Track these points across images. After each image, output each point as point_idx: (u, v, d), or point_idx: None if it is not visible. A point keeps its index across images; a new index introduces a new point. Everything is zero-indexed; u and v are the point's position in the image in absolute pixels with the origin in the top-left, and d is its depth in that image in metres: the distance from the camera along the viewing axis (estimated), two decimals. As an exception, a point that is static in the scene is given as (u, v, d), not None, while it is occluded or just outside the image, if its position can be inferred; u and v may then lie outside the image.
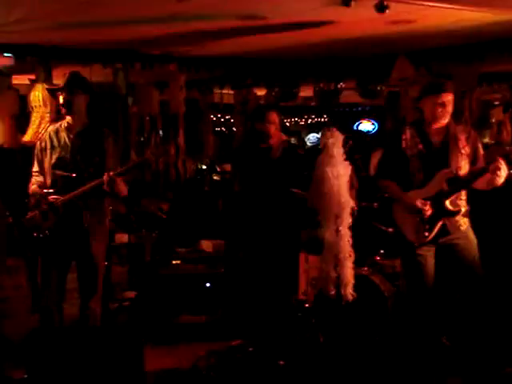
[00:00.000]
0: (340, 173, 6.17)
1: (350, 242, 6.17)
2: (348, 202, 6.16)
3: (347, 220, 6.16)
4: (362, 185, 6.88)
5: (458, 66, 8.57)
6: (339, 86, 9.54)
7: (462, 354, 5.87)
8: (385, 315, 6.49)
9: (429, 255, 5.59)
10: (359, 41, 7.97)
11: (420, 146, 5.55)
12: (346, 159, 6.24)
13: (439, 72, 9.04)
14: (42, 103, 7.73)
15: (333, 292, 6.19)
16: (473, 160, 5.58)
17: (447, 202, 5.50)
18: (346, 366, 5.99)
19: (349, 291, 6.15)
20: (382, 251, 7.04)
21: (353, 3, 5.78)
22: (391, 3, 5.82)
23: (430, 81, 5.93)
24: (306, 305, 6.78)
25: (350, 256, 6.17)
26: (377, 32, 7.44)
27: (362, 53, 8.89)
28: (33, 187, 5.71)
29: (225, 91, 10.28)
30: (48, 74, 7.72)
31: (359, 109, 14.13)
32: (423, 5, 5.98)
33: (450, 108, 5.51)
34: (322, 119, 14.19)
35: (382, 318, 6.49)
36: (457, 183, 5.48)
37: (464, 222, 5.59)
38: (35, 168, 5.77)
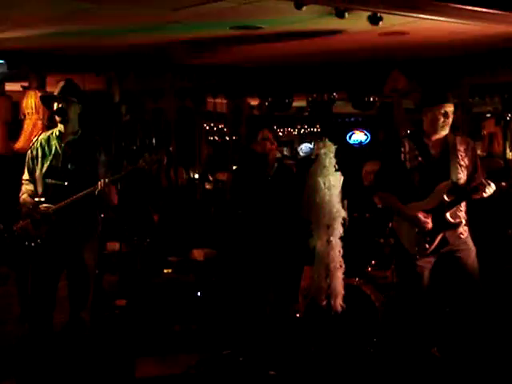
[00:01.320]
0: (332, 183, 6.18)
1: (341, 252, 6.19)
2: (339, 213, 6.18)
3: (338, 230, 6.17)
4: (353, 196, 6.90)
5: (450, 77, 8.61)
6: (332, 96, 9.55)
7: (452, 365, 5.88)
8: (376, 326, 6.49)
9: (426, 267, 5.55)
10: (352, 52, 8.00)
11: (420, 159, 5.52)
12: (337, 169, 6.26)
13: (431, 84, 9.10)
14: (34, 110, 7.72)
15: (324, 302, 6.19)
16: (472, 171, 5.56)
17: (448, 215, 5.47)
18: (336, 377, 5.99)
19: (338, 302, 6.16)
20: (373, 262, 7.04)
21: (347, 15, 5.80)
22: (384, 15, 5.84)
23: (431, 91, 5.85)
24: (298, 315, 6.77)
25: (341, 266, 6.19)
26: (370, 43, 7.47)
27: (355, 64, 8.92)
28: (23, 196, 5.68)
29: (218, 100, 10.29)
30: (41, 82, 7.72)
31: (352, 119, 14.16)
32: (416, 17, 5.99)
33: (450, 119, 5.50)
34: (315, 129, 14.20)
35: (373, 329, 6.49)
36: (457, 195, 5.45)
37: (464, 231, 5.56)
38: (25, 176, 5.75)
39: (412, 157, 5.56)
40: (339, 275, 6.19)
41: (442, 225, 5.48)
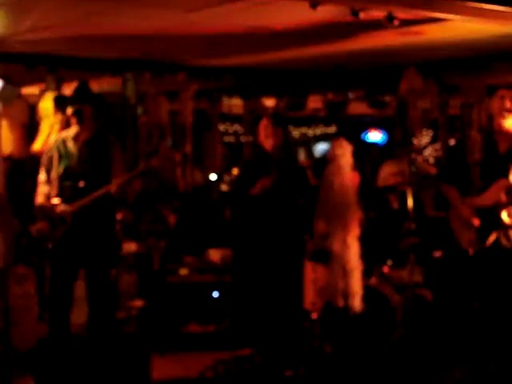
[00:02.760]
0: (348, 183, 6.18)
1: (358, 252, 6.18)
2: (356, 213, 6.17)
3: (355, 230, 6.17)
4: (370, 196, 6.89)
5: (466, 77, 8.58)
6: (348, 96, 9.53)
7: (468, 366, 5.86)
8: (393, 326, 6.48)
9: (476, 265, 5.48)
10: (368, 52, 7.97)
11: (484, 153, 5.45)
12: (354, 170, 6.25)
13: (447, 83, 9.07)
14: (51, 112, 7.75)
15: (341, 303, 6.19)
16: None
17: (504, 214, 5.38)
18: (353, 378, 5.98)
19: (357, 302, 6.15)
20: (389, 262, 7.02)
21: (362, 14, 5.78)
22: (400, 15, 5.82)
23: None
24: (314, 315, 6.77)
25: (358, 267, 6.18)
26: (385, 43, 7.44)
27: (370, 63, 8.89)
28: (40, 197, 5.72)
29: (234, 101, 10.29)
30: (58, 84, 7.75)
31: (368, 119, 14.12)
32: (431, 16, 5.97)
33: None
34: (331, 130, 14.18)
35: (391, 329, 6.47)
36: None
37: None
38: (42, 177, 5.79)
39: (476, 151, 5.47)
40: (357, 275, 6.18)
41: (495, 224, 5.39)
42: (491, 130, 5.49)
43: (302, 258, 6.39)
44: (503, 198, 5.34)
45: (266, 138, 6.25)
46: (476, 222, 5.37)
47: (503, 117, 5.34)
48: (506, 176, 5.37)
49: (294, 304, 6.46)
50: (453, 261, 5.73)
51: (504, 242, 5.40)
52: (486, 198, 5.39)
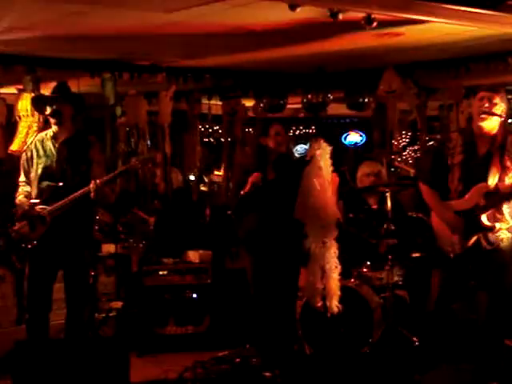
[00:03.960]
0: (327, 184, 6.19)
1: (337, 253, 6.19)
2: (334, 214, 6.19)
3: (333, 231, 6.18)
4: (348, 196, 6.91)
5: (444, 79, 8.62)
6: (327, 97, 9.54)
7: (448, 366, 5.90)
8: (371, 327, 6.50)
9: (455, 267, 5.52)
10: (347, 53, 7.99)
11: (463, 156, 5.43)
12: (333, 170, 6.26)
13: (426, 85, 9.11)
14: (29, 112, 7.70)
15: (319, 304, 6.20)
16: None
17: (483, 217, 5.36)
18: (332, 379, 6.00)
19: (334, 303, 6.17)
20: (368, 263, 7.05)
21: (340, 16, 5.80)
22: (378, 16, 5.84)
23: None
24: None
25: (336, 268, 6.20)
26: (364, 45, 7.47)
27: (349, 65, 8.91)
28: (20, 197, 5.70)
29: (213, 102, 10.28)
30: (36, 84, 7.71)
31: (347, 120, 14.15)
32: (410, 18, 5.99)
33: (494, 108, 5.34)
34: (310, 130, 14.20)
35: (369, 330, 6.50)
36: (494, 198, 5.33)
37: (506, 238, 5.41)
38: (22, 178, 5.77)
39: (455, 153, 5.48)
40: (335, 276, 6.20)
41: (476, 227, 5.38)
42: (471, 132, 5.50)
43: (296, 260, 6.38)
44: (483, 200, 5.35)
45: (277, 144, 6.30)
46: (460, 225, 5.39)
47: (482, 119, 5.35)
48: (486, 178, 5.38)
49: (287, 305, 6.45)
50: (432, 262, 5.76)
51: (484, 244, 5.42)
52: (466, 201, 5.41)
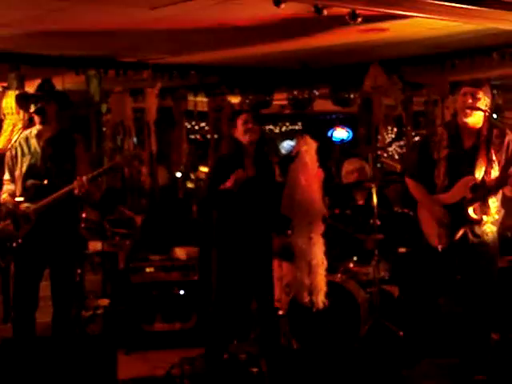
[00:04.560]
0: (313, 180, 6.19)
1: (323, 249, 6.20)
2: (321, 209, 6.19)
3: (320, 227, 6.19)
4: (335, 192, 6.92)
5: (429, 74, 8.65)
6: (313, 93, 9.56)
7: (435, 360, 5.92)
8: (358, 322, 6.52)
9: (441, 261, 5.54)
10: (332, 49, 8.01)
11: (449, 149, 5.43)
12: (319, 166, 6.27)
13: (411, 80, 9.14)
14: (14, 110, 7.68)
15: (306, 299, 6.21)
16: (506, 166, 5.37)
17: (470, 210, 5.37)
18: (319, 374, 6.01)
19: (321, 299, 6.18)
20: (355, 258, 7.06)
21: (325, 12, 5.81)
22: (363, 12, 5.86)
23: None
24: (280, 312, 6.78)
25: (323, 263, 6.20)
26: (349, 40, 7.49)
27: (335, 61, 8.93)
28: (4, 196, 5.67)
29: (199, 99, 10.28)
30: (20, 82, 7.69)
31: (333, 116, 14.18)
32: (394, 14, 6.01)
33: (478, 103, 5.32)
34: (297, 127, 14.23)
35: (356, 325, 6.51)
36: (481, 191, 5.35)
37: (491, 231, 5.44)
38: (6, 176, 5.74)
39: (441, 146, 5.50)
40: (321, 272, 6.21)
41: (463, 220, 5.40)
42: (456, 126, 5.52)
43: (270, 255, 6.34)
44: (469, 194, 5.37)
45: (245, 134, 6.15)
46: (447, 218, 5.41)
47: (466, 114, 5.38)
48: (472, 172, 5.41)
49: (264, 301, 6.41)
50: (419, 257, 5.76)
51: (471, 237, 5.44)
52: (453, 195, 5.43)
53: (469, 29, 6.91)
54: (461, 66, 8.26)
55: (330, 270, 6.43)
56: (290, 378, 5.94)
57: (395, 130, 11.23)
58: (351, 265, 7.03)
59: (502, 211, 5.51)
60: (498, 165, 5.40)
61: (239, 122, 6.05)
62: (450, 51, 8.22)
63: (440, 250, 5.43)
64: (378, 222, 6.74)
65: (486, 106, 5.39)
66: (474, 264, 5.46)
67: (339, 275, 6.79)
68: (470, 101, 5.34)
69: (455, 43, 7.75)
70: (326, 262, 6.23)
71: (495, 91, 10.47)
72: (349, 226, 7.05)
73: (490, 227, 5.43)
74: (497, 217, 5.46)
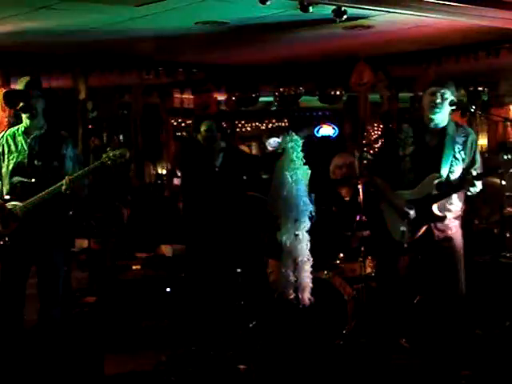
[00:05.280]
0: (299, 177, 6.21)
1: (309, 246, 6.22)
2: (307, 206, 6.21)
3: (306, 224, 6.20)
4: (321, 189, 6.92)
5: (415, 71, 8.68)
6: (299, 90, 9.57)
7: (420, 356, 5.95)
8: (344, 318, 6.54)
9: (408, 256, 5.57)
10: (318, 46, 8.03)
11: (414, 146, 5.52)
12: (305, 163, 6.29)
13: (397, 76, 9.16)
14: (0, 108, 7.67)
15: (292, 296, 6.23)
16: (469, 165, 5.53)
17: (434, 207, 5.46)
18: (305, 370, 6.03)
19: (306, 295, 6.20)
20: (341, 255, 7.08)
21: (311, 9, 5.82)
22: (349, 9, 5.87)
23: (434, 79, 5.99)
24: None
25: (308, 260, 6.22)
26: (335, 37, 7.50)
27: (321, 58, 8.95)
28: (-10, 194, 5.66)
29: (185, 96, 10.28)
30: (6, 79, 7.67)
31: (320, 113, 14.19)
32: (379, 10, 6.04)
33: (445, 104, 5.45)
34: (283, 124, 14.23)
35: (342, 321, 6.53)
36: (446, 188, 5.44)
37: (454, 226, 5.55)
38: (-8, 174, 5.73)
39: (406, 143, 5.55)
40: (307, 268, 6.23)
41: (427, 216, 5.48)
42: (421, 124, 5.60)
43: (258, 253, 6.38)
44: (434, 190, 5.45)
45: (207, 142, 6.27)
46: (411, 214, 5.48)
47: (433, 113, 5.48)
48: (437, 169, 5.48)
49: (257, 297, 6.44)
50: (387, 253, 5.82)
51: (436, 232, 5.52)
52: (418, 191, 5.50)
53: (454, 26, 6.94)
54: (447, 63, 8.30)
55: (317, 267, 6.44)
56: (276, 375, 5.96)
57: (381, 126, 11.26)
58: (337, 261, 7.04)
59: (463, 207, 5.63)
60: (462, 163, 5.52)
61: (202, 128, 6.18)
62: (436, 48, 8.25)
63: (406, 245, 5.50)
64: (365, 219, 6.76)
65: (451, 104, 5.49)
66: (440, 259, 5.54)
67: (326, 272, 6.80)
68: (438, 100, 5.44)
69: (441, 40, 7.78)
70: (311, 259, 6.25)
71: (481, 88, 10.57)
72: (335, 222, 7.06)
73: (453, 222, 5.55)
74: (460, 213, 5.58)
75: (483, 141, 10.88)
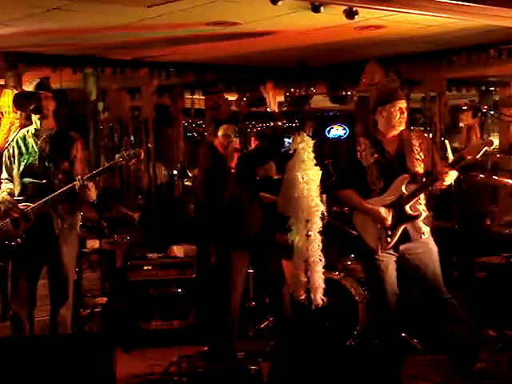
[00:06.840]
0: (310, 177, 6.21)
1: (320, 246, 6.21)
2: (318, 207, 6.20)
3: (317, 224, 6.20)
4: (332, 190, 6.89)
5: (427, 71, 8.65)
6: (310, 91, 9.56)
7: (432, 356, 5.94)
8: (355, 319, 6.52)
9: (391, 262, 5.60)
10: (329, 46, 8.01)
11: (376, 156, 5.56)
12: (316, 164, 6.28)
13: (408, 77, 9.14)
14: (11, 109, 7.67)
15: (303, 296, 6.22)
16: (430, 164, 5.62)
17: (407, 207, 5.51)
18: (317, 371, 6.01)
19: (319, 296, 6.19)
20: (352, 255, 7.07)
21: (322, 9, 5.81)
22: (360, 9, 5.86)
23: (382, 91, 6.21)
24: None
25: (320, 260, 6.22)
26: (347, 38, 7.49)
27: (332, 58, 8.93)
28: (2, 195, 5.66)
29: (196, 96, 10.29)
30: (18, 80, 7.68)
31: (330, 114, 14.18)
32: (392, 11, 6.02)
33: (405, 115, 5.58)
34: (294, 124, 14.23)
35: (353, 323, 6.52)
36: (415, 187, 5.51)
37: (426, 231, 5.61)
38: (4, 175, 5.74)
39: (368, 154, 5.58)
40: (319, 269, 6.22)
41: (402, 218, 5.52)
42: (375, 136, 5.65)
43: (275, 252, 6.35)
44: (404, 191, 5.47)
45: (224, 147, 6.22)
46: (388, 219, 5.50)
47: (400, 125, 5.56)
48: (404, 172, 5.53)
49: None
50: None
51: (412, 233, 5.54)
52: (390, 196, 5.53)
53: (466, 26, 6.92)
54: (458, 62, 8.27)
55: (328, 268, 6.44)
56: (287, 376, 5.94)
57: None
58: (349, 262, 7.03)
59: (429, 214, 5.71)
60: (423, 163, 5.58)
61: (219, 133, 6.11)
62: (447, 48, 8.22)
63: (379, 251, 5.51)
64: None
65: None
66: (419, 258, 5.59)
67: (337, 272, 6.79)
68: (404, 115, 5.57)
69: (452, 40, 7.76)
70: (323, 260, 6.24)
71: (492, 88, 10.54)
72: (346, 223, 7.05)
73: (424, 227, 5.60)
74: (427, 212, 5.62)
75: (495, 141, 10.84)
